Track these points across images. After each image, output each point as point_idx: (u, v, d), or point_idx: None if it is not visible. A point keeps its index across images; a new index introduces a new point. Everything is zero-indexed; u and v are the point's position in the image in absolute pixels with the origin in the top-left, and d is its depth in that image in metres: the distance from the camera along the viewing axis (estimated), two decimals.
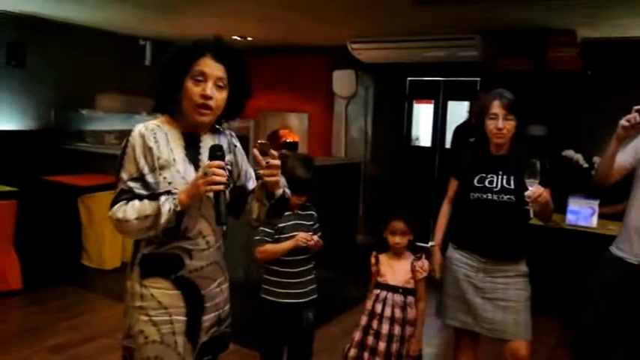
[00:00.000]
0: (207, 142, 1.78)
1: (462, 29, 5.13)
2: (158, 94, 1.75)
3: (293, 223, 2.58)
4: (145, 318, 1.70)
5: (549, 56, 5.04)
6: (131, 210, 1.62)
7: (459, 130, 5.57)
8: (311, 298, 2.64)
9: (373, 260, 2.67)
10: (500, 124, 2.43)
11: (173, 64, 1.70)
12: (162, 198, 1.63)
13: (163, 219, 1.60)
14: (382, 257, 2.67)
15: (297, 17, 4.99)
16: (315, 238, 2.58)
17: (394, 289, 2.60)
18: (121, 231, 1.67)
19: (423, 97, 6.80)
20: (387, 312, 2.56)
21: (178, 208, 1.62)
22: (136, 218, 1.61)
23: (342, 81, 6.82)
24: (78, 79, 6.28)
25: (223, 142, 1.82)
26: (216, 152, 1.66)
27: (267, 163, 1.69)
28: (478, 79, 6.04)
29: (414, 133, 6.98)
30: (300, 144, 7.32)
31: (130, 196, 1.64)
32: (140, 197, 1.64)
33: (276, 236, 2.55)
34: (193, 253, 1.73)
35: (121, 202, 1.64)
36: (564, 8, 4.12)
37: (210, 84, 1.67)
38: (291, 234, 2.55)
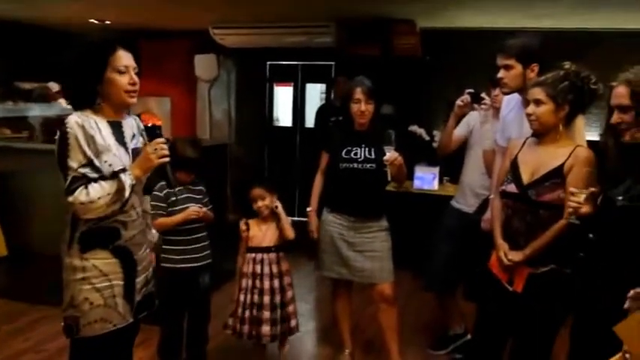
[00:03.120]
0: (126, 127, 2.03)
1: (318, 17, 5.52)
2: (79, 92, 1.95)
3: (185, 196, 2.86)
4: (89, 287, 1.92)
5: (394, 43, 5.67)
6: (93, 191, 1.82)
7: (320, 110, 6.06)
8: (206, 262, 2.94)
9: (244, 227, 2.98)
10: (363, 107, 2.89)
11: (91, 64, 1.90)
12: (122, 175, 1.87)
13: (127, 193, 1.87)
14: (252, 223, 2.99)
15: (157, 1, 5.01)
16: (204, 209, 2.88)
17: (267, 249, 2.95)
18: (85, 212, 1.85)
19: (283, 80, 7.16)
20: (266, 269, 2.91)
21: (134, 182, 1.89)
22: (100, 197, 1.83)
23: (204, 65, 6.97)
24: None
25: (134, 125, 2.08)
26: (156, 131, 1.96)
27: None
28: (333, 63, 6.57)
29: (275, 114, 7.34)
30: (163, 127, 7.32)
31: (85, 181, 1.84)
32: (95, 180, 1.85)
33: (170, 209, 2.82)
34: (128, 224, 1.98)
35: (80, 188, 1.82)
36: (405, 2, 4.71)
37: (132, 72, 1.93)
38: (183, 206, 2.83)
